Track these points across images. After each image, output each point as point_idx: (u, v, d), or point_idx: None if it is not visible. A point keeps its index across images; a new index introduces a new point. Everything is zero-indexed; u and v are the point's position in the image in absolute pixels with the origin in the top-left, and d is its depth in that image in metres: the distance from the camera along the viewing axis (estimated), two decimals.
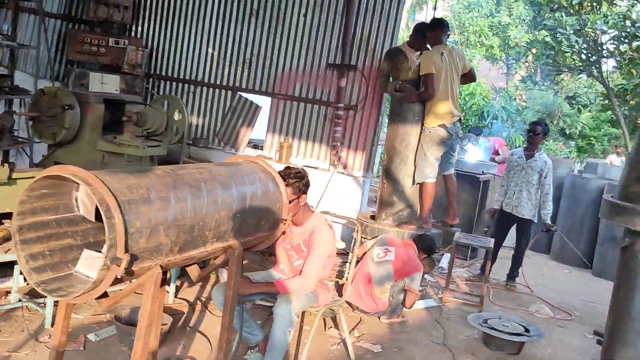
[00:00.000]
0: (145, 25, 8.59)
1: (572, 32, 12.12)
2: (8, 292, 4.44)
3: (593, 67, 12.78)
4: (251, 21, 8.03)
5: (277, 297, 3.74)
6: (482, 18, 21.95)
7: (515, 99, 19.19)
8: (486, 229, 7.96)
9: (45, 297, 4.04)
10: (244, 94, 8.17)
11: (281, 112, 7.94)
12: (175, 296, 5.10)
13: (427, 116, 5.83)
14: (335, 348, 4.59)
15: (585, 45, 12.37)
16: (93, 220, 2.74)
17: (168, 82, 8.53)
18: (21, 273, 3.27)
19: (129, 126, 5.87)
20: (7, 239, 4.25)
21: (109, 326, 4.34)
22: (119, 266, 2.33)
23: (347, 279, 4.39)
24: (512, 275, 7.09)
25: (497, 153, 9.89)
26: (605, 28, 12.22)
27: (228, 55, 8.20)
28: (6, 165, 4.59)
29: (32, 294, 4.37)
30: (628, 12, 11.78)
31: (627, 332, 4.09)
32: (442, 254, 7.70)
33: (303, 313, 4.72)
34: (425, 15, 20.65)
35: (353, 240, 4.44)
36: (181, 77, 8.45)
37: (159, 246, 2.56)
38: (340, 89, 7.51)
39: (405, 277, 5.16)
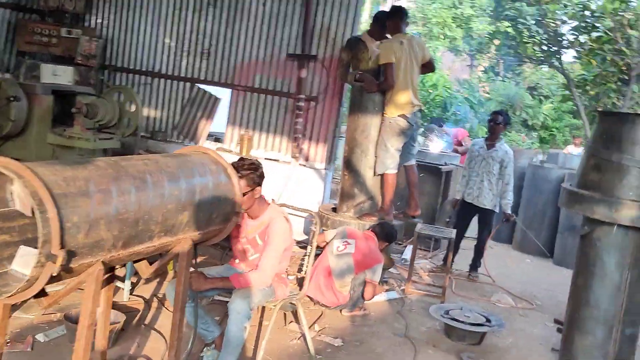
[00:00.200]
0: (99, 14, 8.35)
1: (532, 22, 12.19)
2: None
3: (554, 58, 12.89)
4: (209, 10, 7.86)
5: (233, 293, 3.62)
6: (446, 9, 22.01)
7: (478, 90, 19.32)
8: (448, 220, 7.95)
9: None
10: (203, 86, 8.02)
11: (241, 104, 7.81)
12: (131, 293, 4.95)
13: (387, 106, 5.75)
14: (295, 343, 4.50)
15: (545, 36, 12.47)
16: (30, 215, 2.58)
17: (124, 74, 8.32)
18: None
19: (79, 118, 5.66)
20: None
21: (59, 326, 4.17)
22: (54, 263, 2.18)
23: (306, 272, 4.29)
24: (475, 265, 7.09)
25: (459, 144, 9.90)
26: (565, 18, 12.32)
27: (186, 45, 8.03)
28: None
29: None
30: (587, 2, 11.89)
31: (585, 320, 4.09)
32: (405, 246, 7.66)
33: (263, 308, 4.62)
34: (389, 7, 20.58)
35: (311, 233, 4.34)
36: (137, 68, 8.24)
37: (100, 241, 2.42)
38: (300, 80, 7.41)
39: (367, 270, 5.08)
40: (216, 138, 8.23)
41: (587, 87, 12.71)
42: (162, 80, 8.16)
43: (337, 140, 7.56)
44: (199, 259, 6.02)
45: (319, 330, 4.79)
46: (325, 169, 7.47)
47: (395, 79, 5.61)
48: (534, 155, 9.91)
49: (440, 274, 6.76)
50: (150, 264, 2.99)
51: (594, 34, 11.98)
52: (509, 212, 6.84)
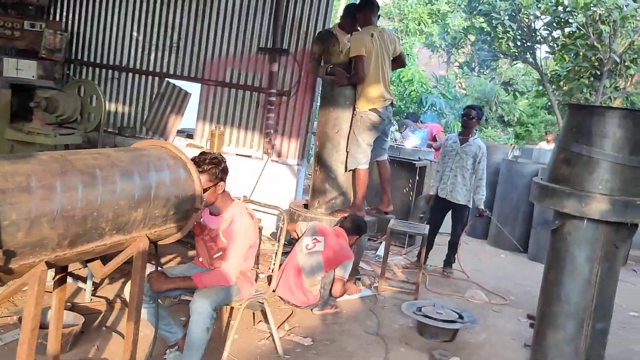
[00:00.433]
0: (65, 7, 8.12)
1: (506, 17, 12.17)
2: None
3: (528, 53, 12.89)
4: (178, 3, 7.68)
5: (195, 292, 3.50)
6: (422, 5, 21.97)
7: (455, 86, 19.32)
8: (422, 215, 7.88)
9: None
10: (172, 80, 7.84)
11: (211, 99, 7.65)
12: (94, 294, 4.79)
13: (358, 100, 5.65)
14: (264, 343, 4.38)
15: (519, 31, 12.46)
16: None
17: (90, 68, 8.10)
18: None
19: (37, 113, 5.46)
20: None
21: (15, 329, 4.00)
22: None
23: (273, 270, 4.17)
24: (449, 261, 7.03)
25: (434, 139, 9.83)
26: (538, 13, 12.32)
27: (154, 39, 7.84)
28: None
29: None
30: None
31: (557, 315, 4.05)
32: (380, 242, 7.58)
33: (232, 308, 4.49)
34: None
35: (279, 231, 4.22)
36: (105, 62, 8.04)
37: (43, 240, 2.27)
38: (272, 74, 7.27)
39: (336, 267, 4.98)
40: (188, 134, 8.07)
41: (561, 83, 12.73)
42: (131, 74, 7.97)
43: (310, 136, 7.45)
44: (167, 258, 5.92)
45: (289, 330, 4.68)
46: (298, 165, 7.35)
47: (366, 72, 5.50)
48: (510, 151, 9.88)
49: (414, 271, 6.68)
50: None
51: (567, 30, 12.00)
52: (482, 207, 6.78)
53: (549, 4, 11.38)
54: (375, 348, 4.55)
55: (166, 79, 7.84)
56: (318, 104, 7.51)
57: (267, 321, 4.65)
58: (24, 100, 5.58)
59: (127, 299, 4.66)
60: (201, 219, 3.75)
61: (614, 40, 11.08)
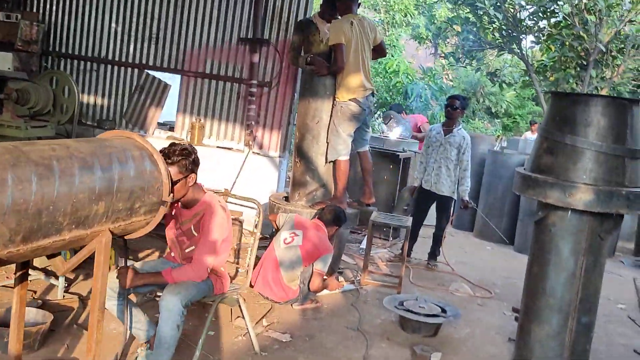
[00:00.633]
0: None
1: (491, 7, 12.05)
2: None
3: (514, 44, 12.79)
4: None
5: (164, 289, 3.37)
6: None
7: (442, 77, 19.20)
8: (406, 208, 7.77)
9: None
10: (152, 72, 7.68)
11: (192, 90, 7.51)
12: (67, 291, 4.65)
13: (338, 90, 5.52)
14: (241, 339, 4.26)
15: (505, 21, 12.35)
16: None
17: (68, 60, 7.91)
18: None
19: (8, 105, 5.30)
20: None
21: None
22: None
23: (248, 264, 4.05)
24: (433, 254, 6.94)
25: (419, 130, 9.72)
26: (523, 3, 12.22)
27: (133, 30, 7.67)
28: None
29: None
30: None
31: (541, 309, 3.94)
32: (364, 235, 7.47)
33: (209, 304, 4.37)
34: None
35: (255, 224, 4.10)
36: (83, 54, 7.86)
37: None
38: (253, 65, 7.14)
39: (316, 260, 4.86)
40: (171, 127, 7.91)
41: (547, 73, 12.65)
42: (109, 66, 7.80)
43: (291, 127, 7.32)
44: (146, 252, 5.79)
45: (267, 326, 4.56)
46: (279, 157, 7.23)
47: (345, 60, 5.37)
48: (497, 142, 9.80)
49: (398, 264, 6.57)
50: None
51: (553, 20, 11.90)
52: (467, 198, 6.68)
53: None
54: (356, 343, 4.44)
55: (145, 70, 7.68)
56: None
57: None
58: None
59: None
60: (173, 212, 3.62)
61: (600, 29, 10.99)
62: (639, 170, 3.79)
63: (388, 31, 19.60)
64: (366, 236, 7.29)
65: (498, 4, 12.03)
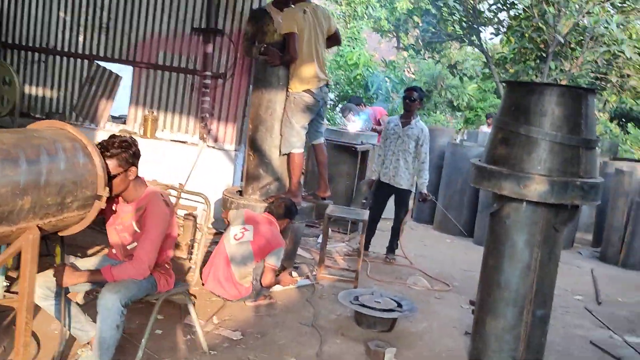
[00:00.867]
0: None
1: None
2: None
3: (474, 35, 12.81)
4: None
5: (103, 287, 3.20)
6: None
7: (404, 70, 19.19)
8: (365, 201, 7.69)
9: None
10: (102, 63, 7.41)
11: (144, 82, 7.27)
12: (8, 290, 4.42)
13: (291, 81, 5.38)
14: (190, 338, 4.10)
15: (465, 13, 12.36)
16: None
17: (16, 51, 7.58)
18: None
19: None
20: None
21: None
22: None
23: (195, 261, 3.90)
24: (391, 247, 6.86)
25: (378, 123, 9.64)
26: None
27: (82, 19, 7.37)
28: None
29: None
30: None
31: (496, 302, 3.90)
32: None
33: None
34: None
35: (202, 218, 3.94)
36: (30, 44, 7.53)
37: None
38: (207, 56, 6.94)
39: (267, 255, 4.72)
40: (124, 120, 7.67)
41: (507, 66, 12.72)
42: (58, 57, 7.50)
43: (247, 120, 7.14)
44: (95, 249, 5.57)
45: (218, 323, 4.41)
46: (235, 150, 7.06)
47: (298, 50, 5.24)
48: (459, 136, 9.81)
49: (356, 258, 6.48)
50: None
51: (513, 11, 11.97)
52: (425, 191, 6.63)
53: None
54: (309, 340, 4.32)
55: (95, 61, 7.41)
56: None
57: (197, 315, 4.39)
58: None
59: None
60: (114, 208, 3.45)
61: (559, 21, 11.06)
62: (594, 161, 3.76)
63: (349, 24, 19.51)
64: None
65: None
